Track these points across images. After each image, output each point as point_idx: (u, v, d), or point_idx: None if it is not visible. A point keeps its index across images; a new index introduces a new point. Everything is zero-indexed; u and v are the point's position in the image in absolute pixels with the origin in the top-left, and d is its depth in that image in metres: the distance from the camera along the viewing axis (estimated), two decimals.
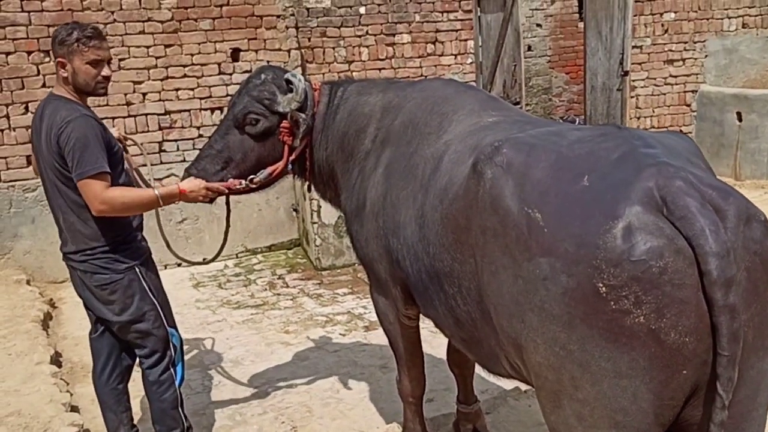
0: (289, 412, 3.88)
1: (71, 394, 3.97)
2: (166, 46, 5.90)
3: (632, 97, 8.16)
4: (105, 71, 3.00)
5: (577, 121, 9.74)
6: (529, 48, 10.70)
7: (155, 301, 3.16)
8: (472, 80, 7.46)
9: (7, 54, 5.37)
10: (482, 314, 2.03)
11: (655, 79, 8.29)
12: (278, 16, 6.31)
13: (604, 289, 1.60)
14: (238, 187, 3.10)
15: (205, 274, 6.15)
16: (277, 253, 6.68)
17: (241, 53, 6.23)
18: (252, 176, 3.05)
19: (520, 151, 1.87)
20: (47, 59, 5.48)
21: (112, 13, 5.68)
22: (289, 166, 3.10)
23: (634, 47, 8.05)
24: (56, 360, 4.40)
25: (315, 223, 6.18)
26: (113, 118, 5.79)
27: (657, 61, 8.24)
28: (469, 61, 7.45)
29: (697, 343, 1.59)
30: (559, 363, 1.71)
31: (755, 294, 1.63)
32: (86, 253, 3.03)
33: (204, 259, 3.88)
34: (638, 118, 8.29)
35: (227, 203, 3.43)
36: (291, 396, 4.05)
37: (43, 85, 5.43)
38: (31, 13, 5.40)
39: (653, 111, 8.35)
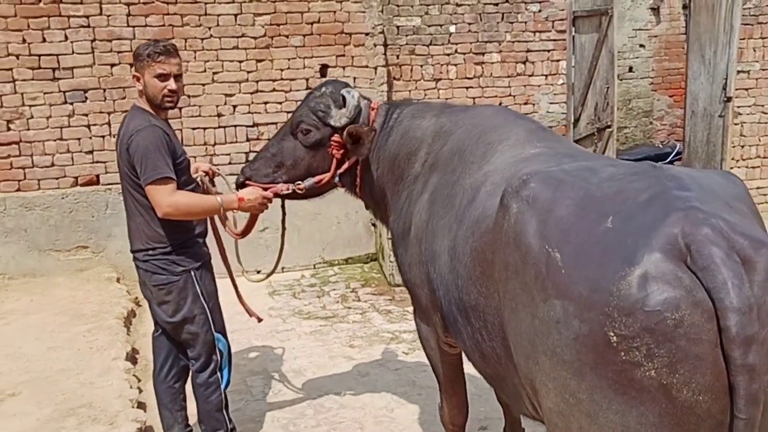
0: (341, 427, 3.92)
1: (140, 391, 4.17)
2: (258, 61, 6.13)
3: (736, 124, 7.73)
4: (171, 85, 3.19)
5: (677, 147, 9.32)
6: (630, 69, 10.36)
7: (206, 306, 3.33)
8: (562, 101, 7.32)
9: (112, 65, 5.75)
10: (506, 351, 2.00)
11: (762, 106, 7.83)
12: (367, 34, 6.42)
13: (615, 338, 1.54)
14: (284, 192, 3.25)
15: (282, 282, 6.31)
16: (354, 266, 6.76)
17: (329, 69, 6.37)
18: (299, 182, 3.16)
19: (548, 186, 1.83)
20: None
21: (209, 28, 5.96)
22: (337, 179, 3.20)
23: (740, 72, 7.63)
24: (132, 357, 4.65)
25: (390, 238, 6.21)
26: (204, 129, 6.08)
27: (765, 87, 7.78)
28: (560, 82, 7.31)
29: (711, 402, 1.50)
30: (568, 411, 1.66)
31: None
32: (148, 253, 3.25)
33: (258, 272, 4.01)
34: (742, 147, 7.85)
35: (282, 207, 3.63)
36: (346, 411, 4.09)
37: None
38: (136, 28, 5.75)
39: (759, 140, 7.89)
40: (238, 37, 6.06)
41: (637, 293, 1.52)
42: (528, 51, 7.20)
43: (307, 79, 6.31)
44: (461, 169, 2.48)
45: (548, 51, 7.24)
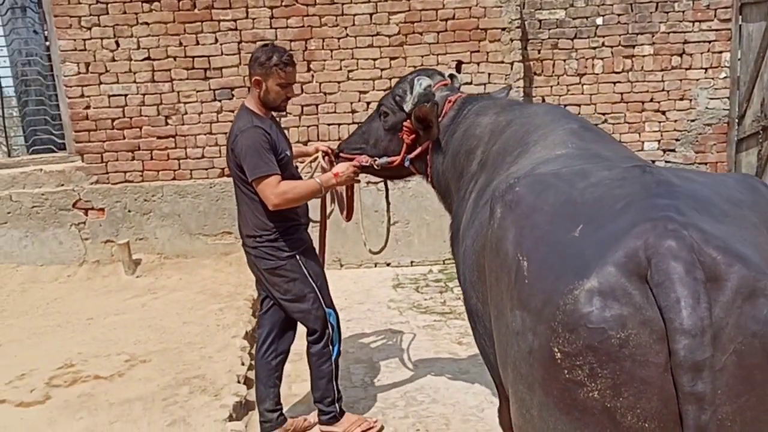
0: (428, 421, 3.95)
1: (250, 368, 4.50)
2: (392, 59, 6.26)
3: None
4: (291, 93, 3.50)
5: None
6: None
7: (314, 285, 3.60)
8: (725, 97, 6.73)
9: None
10: None
11: None
12: (503, 29, 6.32)
13: (559, 354, 1.45)
14: (365, 164, 3.48)
15: (408, 276, 6.42)
16: None
17: (463, 65, 6.36)
18: (376, 158, 3.40)
19: (531, 191, 1.74)
20: None
21: (346, 28, 6.20)
22: (408, 163, 3.32)
23: None
24: (251, 336, 5.00)
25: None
26: (339, 125, 6.33)
27: None
28: (723, 75, 6.71)
29: (659, 431, 1.37)
30: (524, 426, 1.59)
31: (747, 384, 1.35)
32: (256, 239, 3.54)
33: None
34: None
35: (386, 199, 4.03)
36: (436, 406, 4.10)
37: None
38: (278, 30, 6.13)
39: None
40: (372, 35, 6.23)
41: (582, 308, 1.41)
42: (685, 42, 6.67)
43: None
44: (497, 170, 2.42)
45: (709, 42, 6.66)
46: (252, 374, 4.48)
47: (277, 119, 3.94)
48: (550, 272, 1.54)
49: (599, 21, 6.66)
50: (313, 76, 6.24)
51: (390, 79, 6.30)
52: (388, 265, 6.62)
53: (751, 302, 1.36)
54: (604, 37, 6.66)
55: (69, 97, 6.12)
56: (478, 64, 6.38)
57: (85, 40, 6.00)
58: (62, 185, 6.22)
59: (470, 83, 6.34)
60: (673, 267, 1.37)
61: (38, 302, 5.77)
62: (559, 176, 1.77)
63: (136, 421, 3.81)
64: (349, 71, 6.26)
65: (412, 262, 6.65)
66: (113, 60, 6.07)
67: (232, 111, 6.22)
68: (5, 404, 4.14)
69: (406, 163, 3.32)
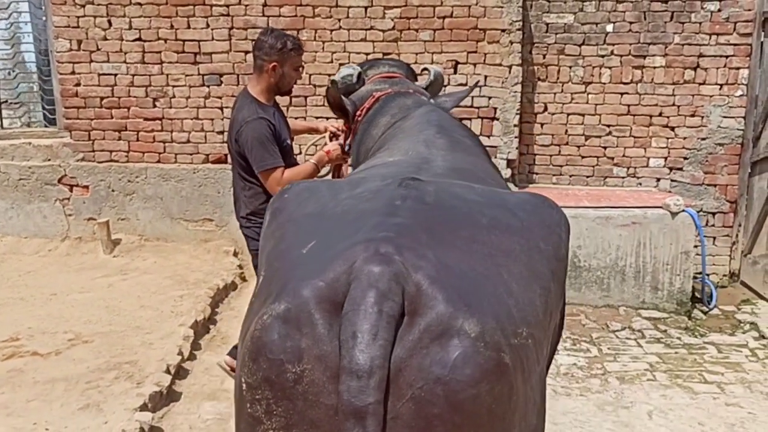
0: None
1: (186, 359, 4.40)
2: (385, 54, 6.09)
3: None
4: (299, 76, 3.87)
5: None
6: None
7: None
8: (740, 116, 6.33)
9: (246, 52, 6.08)
10: None
11: None
12: (503, 30, 6.07)
13: (244, 386, 1.29)
14: (338, 145, 3.63)
15: None
16: None
17: (459, 66, 6.15)
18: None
19: (296, 199, 1.59)
20: None
21: (339, 20, 6.06)
22: (347, 148, 3.38)
23: None
24: (201, 325, 4.91)
25: None
26: (327, 118, 6.16)
27: None
28: (739, 93, 6.31)
29: None
30: None
31: None
32: (249, 220, 3.71)
33: None
34: None
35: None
36: None
37: None
38: (270, 18, 6.03)
39: None
40: (366, 29, 6.08)
41: (265, 336, 1.25)
42: (700, 56, 6.29)
43: None
44: None
45: (726, 57, 6.27)
46: (191, 365, 4.43)
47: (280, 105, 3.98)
48: (263, 292, 1.39)
49: (609, 28, 6.34)
50: (303, 67, 6.10)
51: None
52: None
53: (440, 343, 1.17)
54: (613, 45, 6.34)
55: (60, 73, 6.15)
56: (474, 65, 6.15)
57: (78, 17, 6.01)
58: (49, 160, 6.27)
59: (465, 84, 6.12)
60: (362, 296, 1.19)
61: (12, 273, 5.84)
62: (332, 185, 1.63)
63: (52, 402, 3.77)
64: (341, 64, 6.06)
65: None
66: (105, 39, 6.07)
67: (220, 97, 6.18)
68: None
69: (347, 148, 3.36)
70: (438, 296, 1.19)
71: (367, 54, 6.10)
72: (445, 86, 6.18)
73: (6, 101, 6.57)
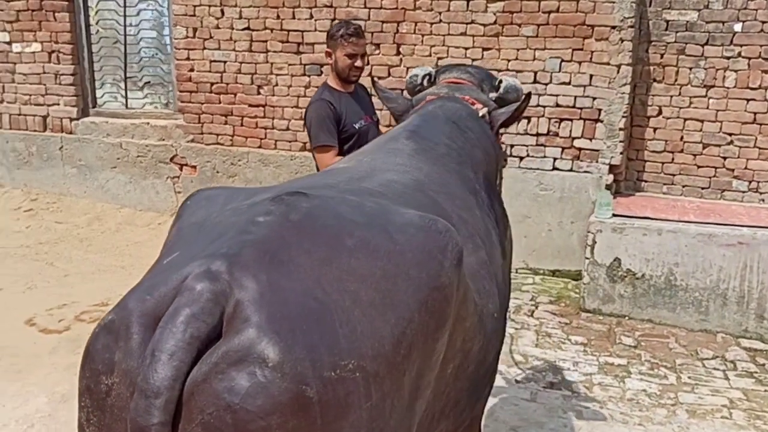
0: None
1: None
2: (485, 50, 5.92)
3: None
4: (358, 63, 3.76)
5: None
6: None
7: None
8: None
9: None
10: None
11: None
12: (613, 27, 5.70)
13: (77, 391, 1.31)
14: None
15: None
16: (559, 279, 6.17)
17: (563, 63, 5.85)
18: None
19: (195, 205, 1.61)
20: (377, 52, 6.11)
21: (440, 13, 5.96)
22: None
23: None
24: None
25: (587, 258, 5.54)
26: None
27: None
28: None
29: None
30: None
31: None
32: None
33: None
34: None
35: None
36: None
37: (369, 74, 6.08)
38: (371, 10, 6.05)
39: None
40: (467, 23, 5.93)
41: (92, 345, 1.25)
42: None
43: (535, 73, 5.89)
44: None
45: None
46: None
47: (363, 94, 3.98)
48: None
49: (737, 27, 5.75)
50: (401, 60, 6.09)
51: None
52: None
53: (236, 369, 1.11)
54: (741, 46, 5.75)
55: (176, 59, 6.55)
56: (579, 63, 5.82)
57: (195, 6, 6.36)
58: (163, 140, 6.71)
59: (568, 83, 5.83)
60: (174, 314, 1.16)
61: (122, 243, 6.33)
62: (233, 193, 1.61)
63: None
64: (439, 58, 6.02)
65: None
66: (217, 27, 6.38)
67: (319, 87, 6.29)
68: (33, 327, 4.62)
69: None
70: (251, 319, 1.14)
71: (466, 49, 5.97)
72: (546, 84, 5.94)
73: (149, 82, 7.08)
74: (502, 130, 3.08)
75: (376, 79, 3.40)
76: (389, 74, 6.09)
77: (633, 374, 4.50)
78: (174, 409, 1.12)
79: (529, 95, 2.97)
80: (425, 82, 3.25)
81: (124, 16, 6.82)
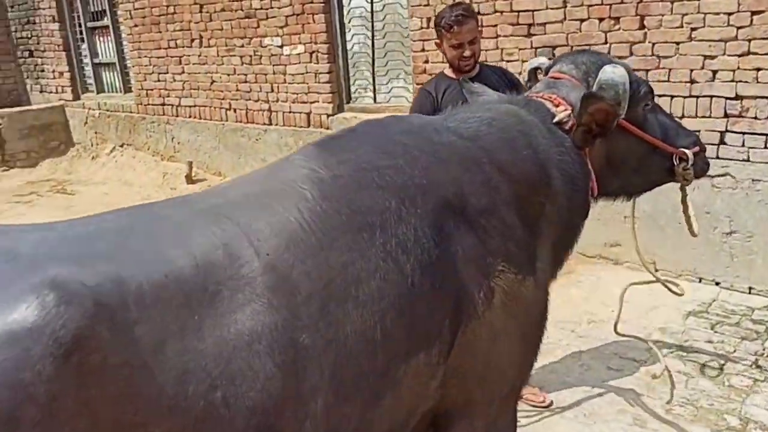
0: None
1: None
2: (753, 13, 4.62)
3: None
4: (466, 52, 3.49)
5: None
6: None
7: None
8: None
9: (581, 21, 5.36)
10: None
11: None
12: None
13: None
14: None
15: (728, 304, 4.88)
16: None
17: None
18: None
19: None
20: (617, 27, 5.20)
21: None
22: None
23: None
24: None
25: None
26: (672, 97, 5.05)
27: None
28: None
29: None
30: None
31: None
32: None
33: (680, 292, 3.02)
34: None
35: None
36: None
37: (608, 52, 5.21)
38: None
39: None
40: None
41: None
42: None
43: None
44: None
45: None
46: None
47: (492, 75, 3.58)
48: None
49: None
50: (645, 35, 5.08)
51: (748, 41, 4.69)
52: (717, 284, 5.14)
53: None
54: None
55: (413, 51, 6.41)
56: None
57: None
58: None
59: None
60: None
61: None
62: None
63: None
64: (693, 29, 4.87)
65: (750, 288, 5.02)
66: None
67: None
68: None
69: None
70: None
71: (729, 14, 4.73)
72: None
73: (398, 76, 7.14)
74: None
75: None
76: (631, 53, 5.14)
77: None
78: None
79: (590, 96, 2.12)
80: (533, 78, 2.69)
81: (371, 12, 6.91)
